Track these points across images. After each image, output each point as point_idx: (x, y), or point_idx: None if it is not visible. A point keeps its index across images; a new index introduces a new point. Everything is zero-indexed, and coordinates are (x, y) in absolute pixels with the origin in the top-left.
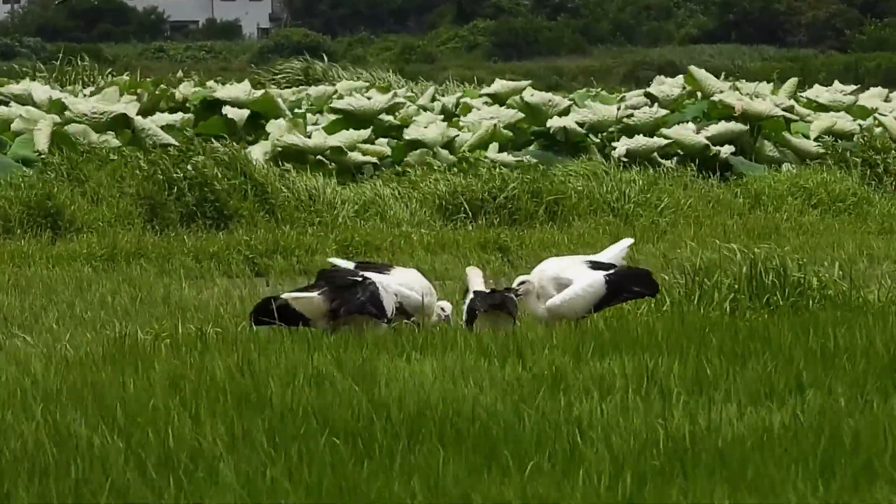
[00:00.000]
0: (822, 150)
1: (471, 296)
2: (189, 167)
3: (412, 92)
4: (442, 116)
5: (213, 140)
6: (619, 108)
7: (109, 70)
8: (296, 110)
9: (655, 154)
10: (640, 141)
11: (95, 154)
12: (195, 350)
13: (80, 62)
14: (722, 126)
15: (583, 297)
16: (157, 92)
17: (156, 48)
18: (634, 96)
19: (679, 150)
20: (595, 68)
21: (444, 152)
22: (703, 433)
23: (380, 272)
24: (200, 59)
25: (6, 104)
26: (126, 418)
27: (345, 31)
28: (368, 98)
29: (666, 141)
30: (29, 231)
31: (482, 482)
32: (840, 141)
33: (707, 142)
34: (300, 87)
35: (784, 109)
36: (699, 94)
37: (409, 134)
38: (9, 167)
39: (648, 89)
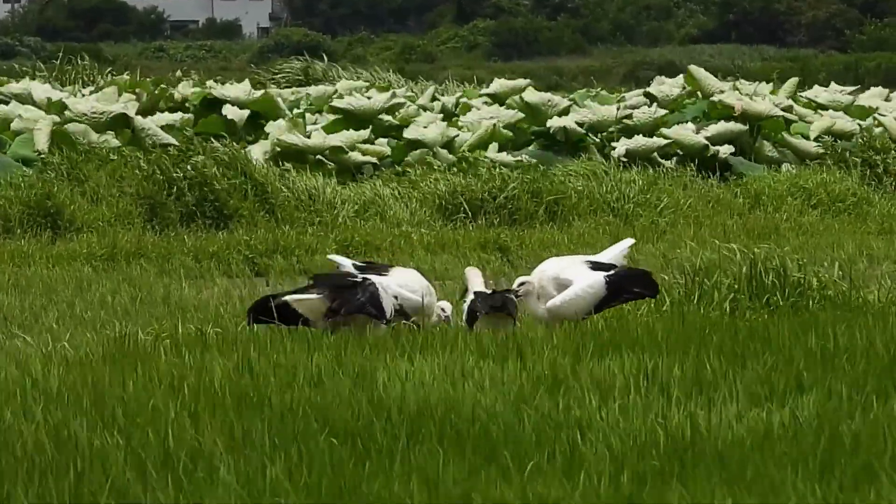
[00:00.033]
0: (821, 151)
1: (471, 296)
2: (189, 167)
3: (412, 92)
4: (441, 116)
5: (212, 140)
6: (618, 109)
7: (109, 70)
8: (294, 110)
9: (655, 154)
10: (639, 141)
11: (95, 154)
12: (195, 350)
13: (79, 62)
14: (721, 126)
15: (583, 298)
16: (156, 92)
17: (156, 48)
18: (634, 96)
19: (679, 151)
20: (595, 68)
21: (444, 152)
22: (703, 433)
23: (379, 273)
24: (200, 59)
25: (6, 103)
26: (126, 418)
27: (345, 31)
28: (368, 98)
29: (665, 141)
30: (29, 231)
31: (482, 482)
32: (840, 141)
33: (706, 142)
34: (300, 87)
35: (783, 109)
36: (699, 94)
37: (409, 134)
38: (8, 167)
39: (648, 89)
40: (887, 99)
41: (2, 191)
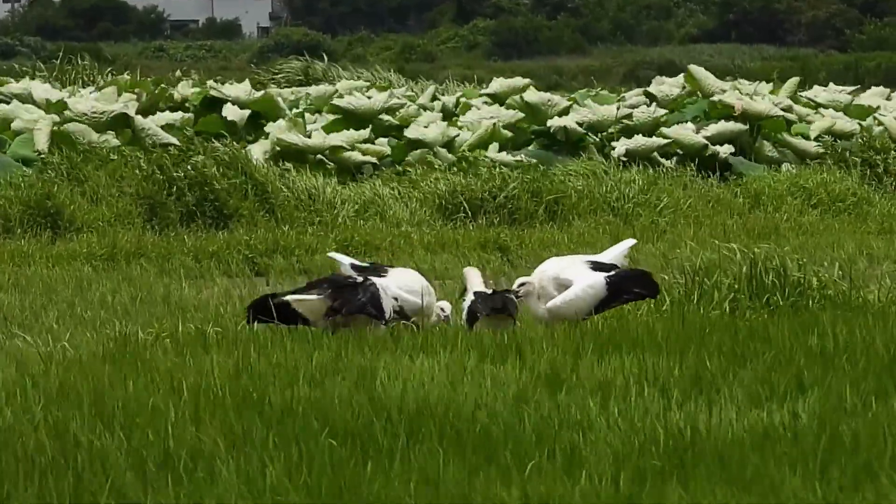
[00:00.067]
0: (821, 150)
1: (471, 296)
2: (189, 167)
3: (412, 91)
4: (441, 116)
5: (213, 140)
6: (618, 108)
7: (109, 69)
8: (294, 110)
9: (655, 154)
10: (639, 140)
11: (95, 154)
12: (195, 350)
13: (80, 61)
14: (721, 126)
15: (583, 299)
16: (156, 92)
17: (156, 47)
18: (634, 96)
19: (679, 150)
20: (595, 68)
21: (444, 152)
22: (703, 433)
23: (378, 274)
24: (200, 59)
25: (7, 103)
26: (126, 418)
27: (345, 30)
28: (368, 97)
29: (665, 140)
30: (29, 230)
31: (482, 482)
32: (840, 141)
33: (706, 141)
34: (300, 86)
35: (783, 109)
36: (699, 93)
37: (410, 133)
38: (8, 166)
39: (648, 89)
40: (888, 98)
41: (2, 190)
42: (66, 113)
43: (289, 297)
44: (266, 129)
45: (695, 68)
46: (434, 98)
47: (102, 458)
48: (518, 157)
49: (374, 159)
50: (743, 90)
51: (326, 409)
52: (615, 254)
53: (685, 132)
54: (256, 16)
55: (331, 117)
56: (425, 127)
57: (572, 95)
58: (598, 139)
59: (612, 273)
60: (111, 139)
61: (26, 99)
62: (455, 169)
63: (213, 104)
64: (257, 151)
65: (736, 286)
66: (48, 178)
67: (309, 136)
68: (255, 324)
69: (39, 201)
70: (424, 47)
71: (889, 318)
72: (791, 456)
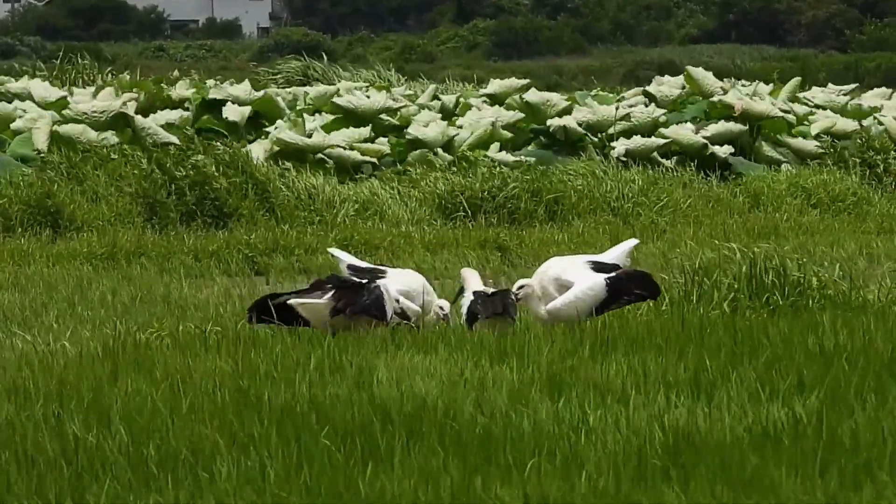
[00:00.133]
0: (821, 150)
1: (470, 296)
2: (189, 166)
3: (411, 90)
4: (441, 116)
5: (213, 139)
6: (617, 108)
7: (109, 69)
8: (294, 109)
9: (655, 154)
10: (639, 140)
11: (95, 153)
12: (195, 349)
13: (80, 61)
14: (721, 126)
15: (583, 300)
16: (154, 92)
17: (156, 47)
18: (633, 96)
19: (678, 150)
20: (595, 68)
21: (443, 151)
22: (703, 433)
23: (376, 275)
24: (200, 59)
25: (9, 101)
26: (126, 417)
27: (345, 30)
28: (368, 97)
29: (665, 140)
30: (29, 229)
31: (482, 482)
32: (840, 141)
33: (705, 141)
34: (300, 86)
35: (783, 110)
36: (699, 94)
37: (411, 133)
38: (8, 165)
39: (647, 88)
40: (889, 98)
41: (2, 189)
42: (66, 112)
43: (292, 301)
44: (267, 129)
45: (693, 69)
46: (434, 98)
47: (102, 457)
48: (518, 158)
49: (373, 159)
50: (742, 91)
51: (326, 408)
52: (617, 254)
53: (684, 132)
54: (256, 16)
55: (330, 117)
56: (425, 126)
57: (571, 95)
58: (597, 139)
59: (613, 274)
60: (110, 137)
61: (26, 98)
62: (455, 168)
63: (213, 104)
64: (258, 150)
65: (736, 286)
66: (48, 177)
67: (309, 136)
68: (256, 324)
69: (39, 200)
70: (424, 47)
71: (889, 317)
72: (791, 456)
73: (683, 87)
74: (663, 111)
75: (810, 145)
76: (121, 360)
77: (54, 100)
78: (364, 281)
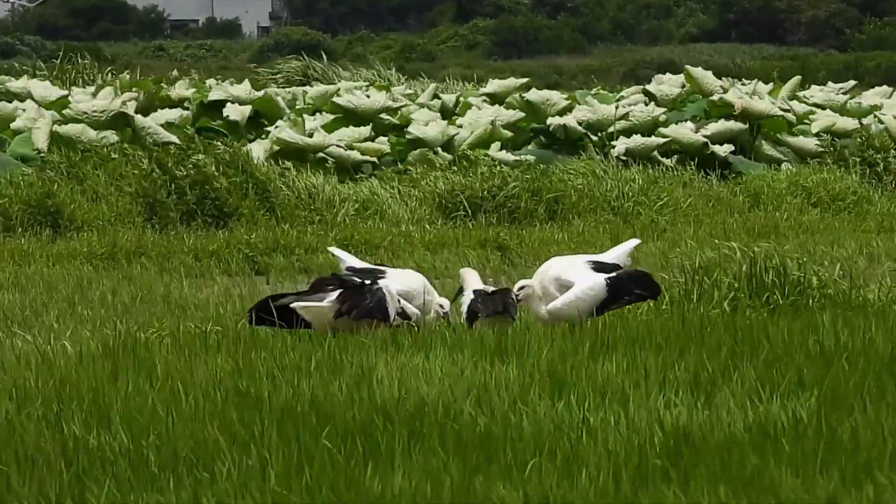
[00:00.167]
0: (821, 149)
1: (470, 295)
2: (190, 165)
3: (411, 90)
4: (441, 115)
5: (214, 138)
6: (616, 108)
7: (109, 69)
8: (294, 108)
9: (655, 153)
10: (639, 139)
11: (95, 152)
12: (195, 349)
13: (80, 60)
14: (721, 125)
15: (583, 300)
16: (154, 91)
17: (156, 47)
18: (632, 94)
19: (678, 149)
20: (595, 67)
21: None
22: (703, 433)
23: (376, 276)
24: (200, 58)
25: (9, 101)
26: (126, 417)
27: (345, 30)
28: (368, 96)
29: (665, 139)
30: (29, 229)
31: (482, 482)
32: (841, 140)
33: (705, 140)
34: (300, 86)
35: (783, 109)
36: (699, 92)
37: (411, 132)
38: (8, 165)
39: (647, 87)
40: (889, 97)
41: (2, 189)
42: (66, 112)
43: (295, 304)
44: (267, 128)
45: (691, 68)
46: (435, 97)
47: (102, 457)
48: (518, 158)
49: (373, 158)
50: (742, 90)
51: (327, 408)
52: (619, 253)
53: (684, 131)
54: (256, 15)
55: (330, 117)
56: (425, 125)
57: (571, 94)
58: (597, 138)
59: (613, 274)
60: (110, 136)
61: (26, 97)
62: (455, 168)
63: (213, 104)
64: (258, 150)
65: (736, 285)
66: (48, 176)
67: (310, 136)
68: (257, 325)
69: (40, 200)
70: (424, 47)
71: (889, 317)
72: (791, 456)
73: (683, 86)
74: (663, 110)
75: (810, 144)
76: (121, 360)
77: (54, 99)
78: (367, 282)
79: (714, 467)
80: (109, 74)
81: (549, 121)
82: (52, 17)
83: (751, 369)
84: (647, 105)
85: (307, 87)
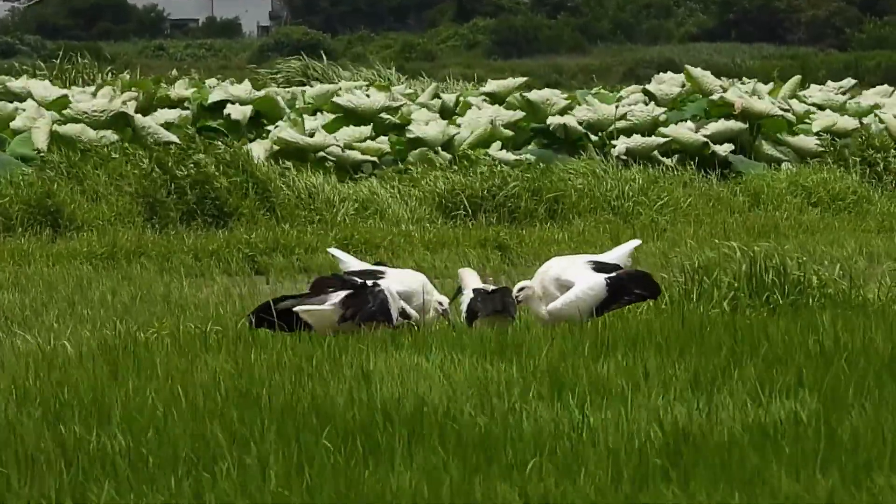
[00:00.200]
0: (821, 149)
1: (470, 294)
2: (190, 165)
3: (411, 89)
4: (440, 115)
5: (214, 138)
6: (617, 107)
7: (109, 68)
8: (294, 108)
9: (655, 152)
10: (639, 139)
11: (95, 152)
12: (195, 349)
13: (79, 60)
14: (721, 124)
15: (583, 301)
16: (153, 91)
17: (156, 46)
18: (632, 94)
19: (678, 149)
20: (595, 66)
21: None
22: (703, 432)
23: (376, 276)
24: (200, 58)
25: (9, 101)
26: (126, 417)
27: (345, 29)
28: (368, 96)
29: (665, 139)
30: (29, 229)
31: (482, 482)
32: (841, 139)
33: (706, 140)
34: (300, 86)
35: (783, 108)
36: (699, 92)
37: (411, 132)
38: (8, 165)
39: (647, 86)
40: (890, 97)
41: (2, 189)
42: (66, 112)
43: (298, 308)
44: (267, 128)
45: (691, 68)
46: (435, 96)
47: (102, 457)
48: (518, 157)
49: (373, 157)
50: (742, 90)
51: (327, 408)
52: (619, 254)
53: (684, 131)
54: (256, 15)
55: (330, 116)
56: (425, 125)
57: (571, 93)
58: (597, 138)
59: (613, 274)
60: (110, 136)
61: (26, 97)
62: (455, 167)
63: (213, 103)
64: (258, 150)
65: (736, 285)
66: (48, 176)
67: (311, 135)
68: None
69: (39, 200)
70: (424, 46)
71: (889, 316)
72: (791, 455)
73: (683, 85)
74: (663, 110)
75: (810, 143)
76: (121, 360)
77: (54, 99)
78: (369, 284)
79: (714, 467)
80: (109, 74)
81: (549, 120)
82: (52, 17)
83: (751, 369)
84: (647, 105)
85: (307, 87)
